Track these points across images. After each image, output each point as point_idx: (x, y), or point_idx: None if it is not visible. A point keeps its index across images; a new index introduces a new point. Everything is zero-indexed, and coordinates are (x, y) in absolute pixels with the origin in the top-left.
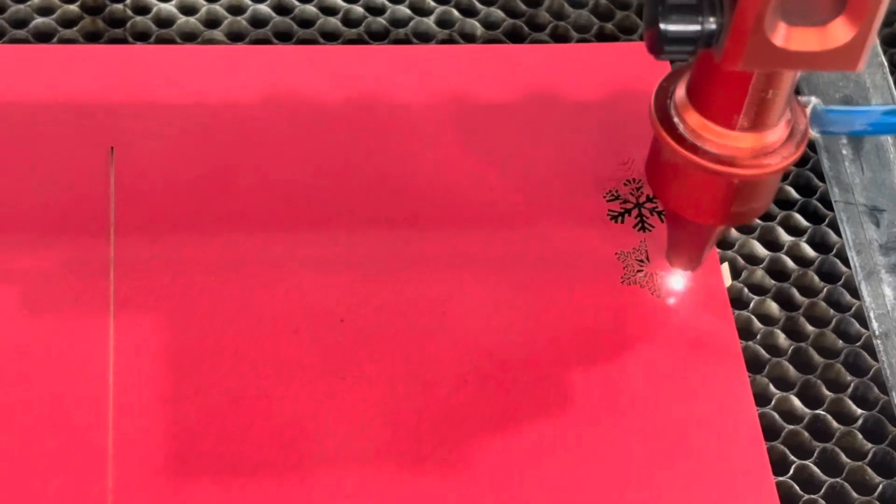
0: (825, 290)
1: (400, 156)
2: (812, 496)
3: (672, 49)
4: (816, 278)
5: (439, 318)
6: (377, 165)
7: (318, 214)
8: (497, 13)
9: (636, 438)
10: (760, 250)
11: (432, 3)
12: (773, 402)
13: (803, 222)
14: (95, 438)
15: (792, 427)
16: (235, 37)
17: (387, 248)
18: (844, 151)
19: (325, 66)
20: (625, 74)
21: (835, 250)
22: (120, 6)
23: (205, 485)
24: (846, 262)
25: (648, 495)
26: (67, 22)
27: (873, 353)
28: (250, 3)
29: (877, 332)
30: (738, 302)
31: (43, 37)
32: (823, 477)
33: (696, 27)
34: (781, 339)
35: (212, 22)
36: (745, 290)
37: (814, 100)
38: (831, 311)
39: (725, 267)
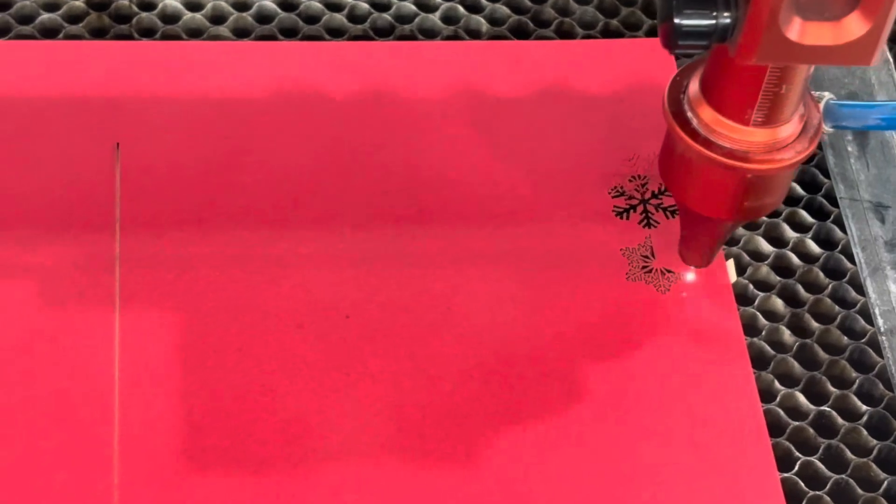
0: (830, 286)
1: (405, 152)
2: (817, 492)
3: (686, 43)
4: (821, 275)
5: (444, 314)
6: (382, 162)
7: (323, 210)
8: (502, 9)
9: (641, 435)
10: (765, 247)
11: (438, 0)
12: (778, 399)
13: (808, 219)
14: (101, 433)
15: (797, 423)
16: (241, 33)
17: (392, 243)
18: (850, 148)
19: (331, 63)
20: (630, 71)
21: (840, 247)
22: (126, 2)
23: (210, 479)
24: (851, 259)
25: (653, 491)
26: (73, 18)
27: (878, 350)
28: None
29: (882, 329)
30: (743, 298)
31: (49, 33)
32: (828, 473)
33: (711, 21)
34: (786, 335)
35: (217, 18)
36: (751, 286)
37: (827, 95)
38: (836, 307)
39: (730, 263)
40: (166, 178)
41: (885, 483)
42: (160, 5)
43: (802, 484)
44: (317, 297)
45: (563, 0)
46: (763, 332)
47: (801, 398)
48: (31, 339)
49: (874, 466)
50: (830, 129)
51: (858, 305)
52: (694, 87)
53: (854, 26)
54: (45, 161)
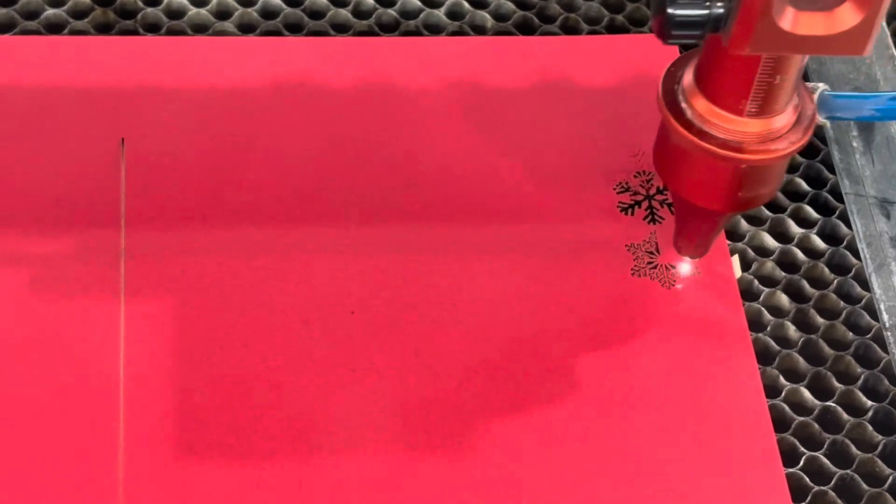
0: (835, 282)
1: (410, 148)
2: (822, 488)
3: (679, 33)
4: (827, 270)
5: (449, 310)
6: (387, 157)
7: (328, 206)
8: (507, 5)
9: (646, 430)
10: (771, 242)
11: None
12: (783, 394)
13: (814, 214)
14: (106, 428)
15: (802, 419)
16: (246, 28)
17: (397, 239)
18: (855, 143)
19: (336, 58)
20: (635, 66)
21: (845, 242)
22: None
23: (214, 475)
24: (856, 255)
25: (659, 486)
26: (78, 13)
27: (883, 345)
28: None
29: (887, 324)
30: (748, 294)
31: (54, 28)
32: (833, 468)
33: (704, 11)
34: (791, 330)
35: (222, 13)
36: (756, 282)
37: (821, 86)
38: (841, 303)
39: (736, 259)
40: (172, 173)
41: (890, 478)
42: (165, 1)
43: (808, 479)
44: (322, 292)
45: None
46: (768, 328)
47: (807, 393)
48: (37, 332)
49: (879, 462)
50: (825, 121)
51: (864, 301)
52: (688, 77)
53: (847, 16)
54: (50, 156)
